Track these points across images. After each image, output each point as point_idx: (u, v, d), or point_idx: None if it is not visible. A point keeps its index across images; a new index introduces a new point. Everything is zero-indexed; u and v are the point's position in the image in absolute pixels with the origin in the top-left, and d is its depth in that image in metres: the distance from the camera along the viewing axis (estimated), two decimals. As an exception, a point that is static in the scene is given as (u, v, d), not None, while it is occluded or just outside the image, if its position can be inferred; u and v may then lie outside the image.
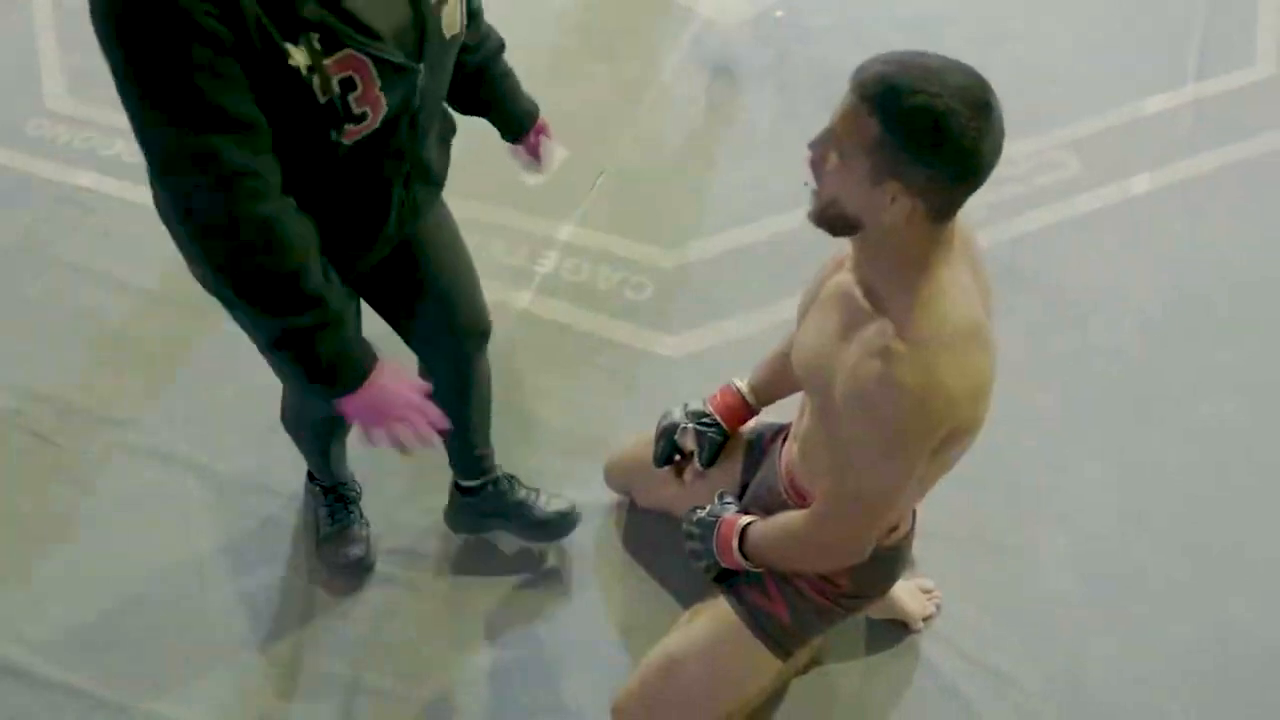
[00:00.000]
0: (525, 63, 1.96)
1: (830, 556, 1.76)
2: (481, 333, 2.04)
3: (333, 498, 2.33)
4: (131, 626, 2.26)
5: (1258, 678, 2.20)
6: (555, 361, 2.69)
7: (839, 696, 2.17)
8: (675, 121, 3.29)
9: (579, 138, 3.18)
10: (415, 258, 1.85)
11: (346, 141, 1.45)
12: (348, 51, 1.37)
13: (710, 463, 2.08)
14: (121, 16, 1.25)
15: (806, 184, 1.46)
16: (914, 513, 1.91)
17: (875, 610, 2.08)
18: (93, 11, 1.27)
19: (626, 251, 2.91)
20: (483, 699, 2.19)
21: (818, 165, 1.43)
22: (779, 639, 1.90)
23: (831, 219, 1.45)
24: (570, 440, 2.54)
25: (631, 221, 2.99)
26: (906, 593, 2.21)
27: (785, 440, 1.96)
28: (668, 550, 2.23)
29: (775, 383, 2.05)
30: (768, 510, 1.92)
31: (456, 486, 2.30)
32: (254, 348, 1.57)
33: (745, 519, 1.84)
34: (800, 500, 1.86)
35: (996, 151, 1.36)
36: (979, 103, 1.31)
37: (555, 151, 1.99)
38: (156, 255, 2.89)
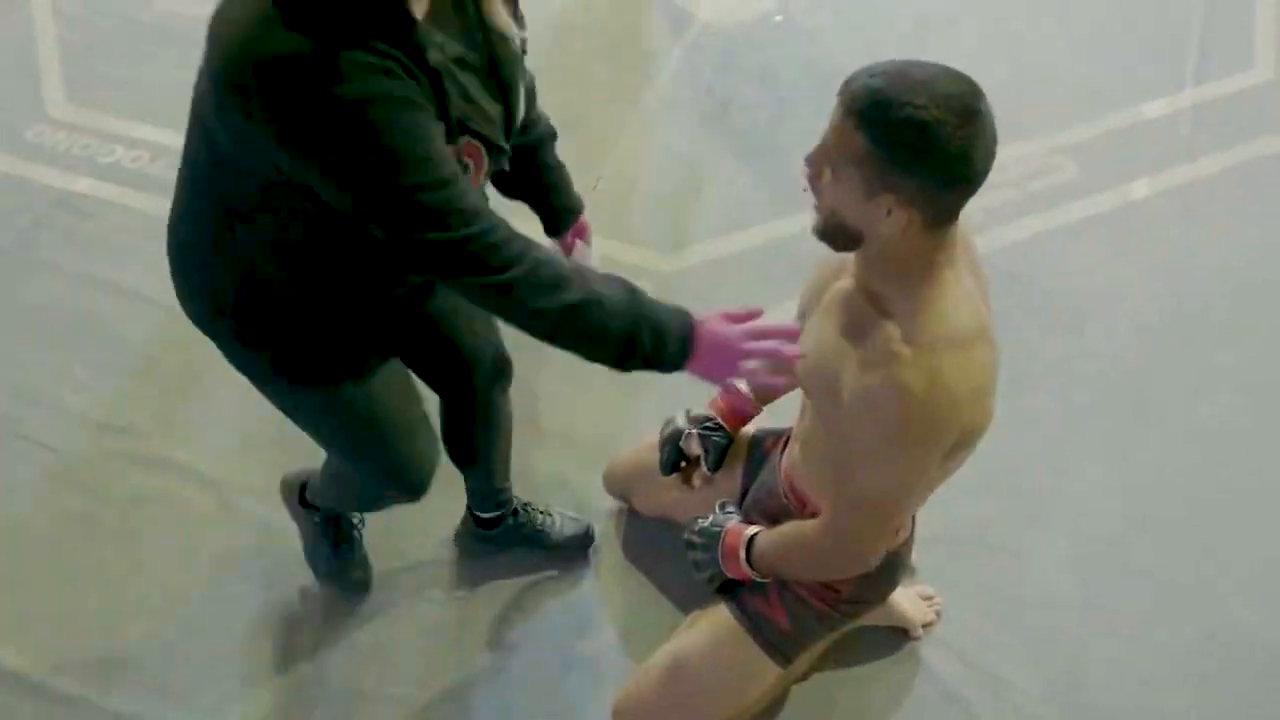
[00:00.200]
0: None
1: (840, 564, 1.75)
2: (503, 371, 2.06)
3: (334, 531, 2.27)
4: (132, 635, 2.26)
5: (1259, 680, 2.20)
6: (555, 366, 2.68)
7: (839, 703, 2.17)
8: (674, 125, 3.29)
9: (578, 141, 3.19)
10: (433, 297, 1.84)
11: None
12: (469, 139, 1.44)
13: (717, 466, 2.08)
14: (356, 103, 1.28)
15: (805, 190, 1.47)
16: (913, 518, 1.91)
17: (875, 617, 2.08)
18: (307, 113, 1.28)
19: (626, 255, 2.90)
20: (484, 704, 2.18)
21: (814, 181, 1.44)
22: (779, 645, 1.90)
23: (834, 233, 1.47)
24: (570, 445, 2.54)
25: (631, 225, 2.99)
26: (906, 599, 2.20)
27: (786, 445, 1.96)
28: (668, 556, 2.23)
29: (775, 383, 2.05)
30: (768, 514, 1.92)
31: (474, 519, 2.31)
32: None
33: (751, 529, 1.84)
34: (800, 503, 1.86)
35: (989, 156, 1.36)
36: (967, 110, 1.31)
37: (590, 257, 1.95)
38: (155, 262, 2.87)
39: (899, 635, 2.23)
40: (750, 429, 2.12)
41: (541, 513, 2.33)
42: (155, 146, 3.19)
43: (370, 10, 1.30)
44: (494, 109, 1.50)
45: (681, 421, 2.10)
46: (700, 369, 1.50)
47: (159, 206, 2.97)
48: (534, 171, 1.84)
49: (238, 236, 1.53)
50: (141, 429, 2.57)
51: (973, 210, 1.43)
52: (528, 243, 1.42)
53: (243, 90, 1.30)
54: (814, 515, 1.81)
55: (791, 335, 1.50)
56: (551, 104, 2.04)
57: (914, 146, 1.31)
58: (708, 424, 2.07)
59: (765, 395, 2.07)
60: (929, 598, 2.26)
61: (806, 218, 1.51)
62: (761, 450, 2.07)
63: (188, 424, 2.57)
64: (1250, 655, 2.23)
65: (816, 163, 1.42)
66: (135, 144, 3.19)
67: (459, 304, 1.85)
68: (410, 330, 1.84)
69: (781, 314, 2.66)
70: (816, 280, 1.71)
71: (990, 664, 2.21)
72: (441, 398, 2.07)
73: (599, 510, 2.40)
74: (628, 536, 2.38)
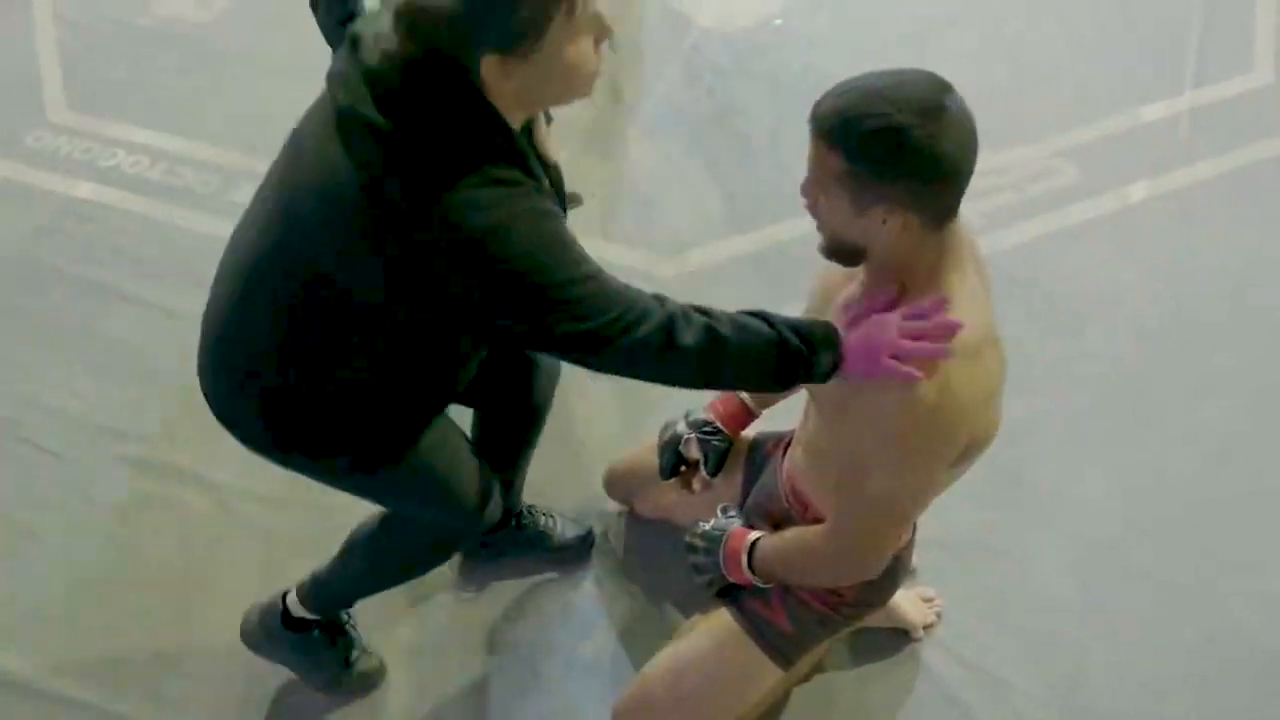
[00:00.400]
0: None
1: (845, 571, 1.75)
2: (554, 386, 2.11)
3: (336, 634, 2.13)
4: (133, 639, 2.26)
5: (1259, 682, 2.20)
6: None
7: (839, 704, 2.17)
8: (674, 128, 3.29)
9: (578, 145, 3.20)
10: None
11: None
12: None
13: (716, 470, 2.08)
14: (500, 228, 1.35)
15: (805, 207, 1.50)
16: (914, 521, 1.92)
17: (876, 619, 2.08)
18: (458, 248, 1.35)
19: (625, 259, 2.91)
20: (485, 705, 2.18)
21: (812, 209, 1.48)
22: (780, 648, 1.90)
23: (841, 252, 1.50)
24: (570, 448, 2.54)
25: (631, 229, 2.99)
26: (907, 601, 2.20)
27: (787, 448, 1.96)
28: (669, 558, 2.23)
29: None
30: (769, 517, 1.93)
31: None
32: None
33: (754, 534, 1.84)
34: (802, 507, 1.86)
35: (965, 148, 1.38)
36: (929, 107, 1.34)
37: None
38: (157, 267, 2.90)
39: (899, 636, 2.22)
40: (750, 432, 2.12)
41: (544, 515, 2.33)
42: (155, 151, 3.19)
43: (480, 131, 1.36)
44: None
45: (680, 426, 2.10)
46: (854, 363, 1.50)
47: (159, 210, 3.03)
48: None
49: (350, 368, 1.56)
50: (142, 433, 2.57)
51: (972, 214, 1.44)
52: (660, 299, 1.48)
53: (384, 233, 1.36)
54: (816, 519, 1.81)
55: (934, 310, 1.47)
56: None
57: (886, 154, 1.35)
58: (706, 428, 2.07)
59: (763, 400, 2.08)
60: (929, 599, 2.26)
61: (806, 221, 1.53)
62: (762, 453, 2.08)
63: (188, 428, 2.56)
64: (1250, 657, 2.23)
65: (809, 191, 1.46)
66: (135, 148, 3.20)
67: None
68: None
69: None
70: (823, 285, 1.72)
71: (990, 666, 2.21)
72: (484, 410, 2.07)
73: (600, 513, 2.41)
74: (628, 539, 2.38)
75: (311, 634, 2.09)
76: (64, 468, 2.51)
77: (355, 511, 1.96)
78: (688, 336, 1.46)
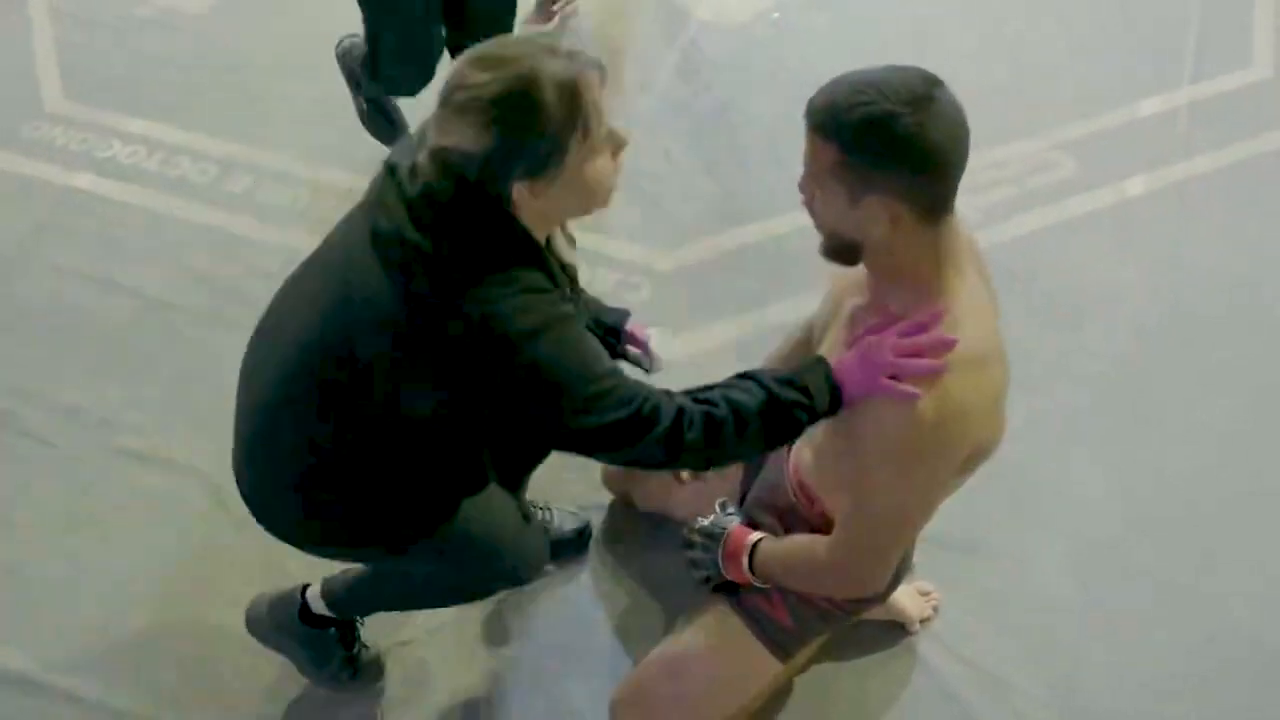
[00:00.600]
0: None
1: (851, 583, 1.73)
2: None
3: (349, 636, 2.14)
4: (131, 632, 2.25)
5: (1259, 682, 2.20)
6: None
7: (836, 695, 2.17)
8: (671, 123, 3.28)
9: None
10: None
11: None
12: None
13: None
14: (548, 321, 1.48)
15: (803, 204, 1.51)
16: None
17: (874, 612, 2.08)
18: (498, 354, 1.46)
19: (623, 253, 2.91)
20: (481, 699, 2.19)
21: (809, 205, 1.50)
22: (780, 641, 1.90)
23: (838, 249, 1.51)
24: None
25: (628, 222, 2.98)
26: (905, 595, 2.20)
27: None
28: (667, 552, 2.22)
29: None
30: (774, 510, 1.92)
31: None
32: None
33: (755, 535, 1.83)
34: (808, 500, 1.85)
35: (953, 139, 1.39)
36: (917, 97, 1.36)
37: (652, 339, 2.08)
38: (154, 258, 2.89)
39: (897, 629, 2.22)
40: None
41: (541, 508, 2.32)
42: (152, 141, 3.18)
43: (512, 246, 1.49)
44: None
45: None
46: (854, 386, 1.54)
47: (157, 201, 3.02)
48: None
49: (393, 466, 1.66)
50: (140, 426, 2.56)
51: (970, 207, 1.44)
52: (668, 393, 1.55)
53: (420, 332, 1.47)
54: (822, 513, 1.82)
55: (930, 322, 1.49)
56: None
57: (876, 141, 1.37)
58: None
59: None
60: (927, 593, 2.26)
61: (804, 216, 1.53)
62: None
63: (186, 422, 2.56)
64: (1250, 657, 2.23)
65: (806, 187, 1.48)
66: (132, 139, 3.19)
67: None
68: None
69: (777, 313, 2.68)
70: (834, 293, 1.73)
71: (990, 666, 2.21)
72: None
73: (597, 506, 2.40)
74: (626, 533, 2.38)
75: (328, 632, 2.10)
76: (61, 460, 2.51)
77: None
78: (692, 433, 1.53)
